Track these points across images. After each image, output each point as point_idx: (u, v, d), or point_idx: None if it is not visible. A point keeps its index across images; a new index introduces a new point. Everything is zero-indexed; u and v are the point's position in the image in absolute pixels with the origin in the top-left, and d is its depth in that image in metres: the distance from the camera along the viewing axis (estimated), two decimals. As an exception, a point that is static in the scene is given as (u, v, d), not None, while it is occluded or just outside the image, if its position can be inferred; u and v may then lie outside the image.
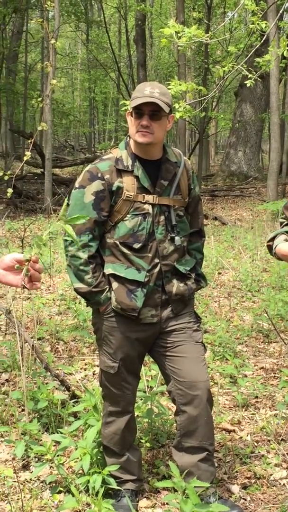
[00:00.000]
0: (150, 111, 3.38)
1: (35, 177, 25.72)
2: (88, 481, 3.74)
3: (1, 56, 26.81)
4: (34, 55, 39.15)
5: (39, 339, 6.63)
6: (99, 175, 3.47)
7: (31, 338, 5.67)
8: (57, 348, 6.57)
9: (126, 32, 29.95)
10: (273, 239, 3.46)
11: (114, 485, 3.71)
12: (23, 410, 4.91)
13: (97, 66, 33.70)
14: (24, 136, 23.49)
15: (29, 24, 30.12)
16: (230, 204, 20.87)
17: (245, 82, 7.09)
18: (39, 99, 5.89)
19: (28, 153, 5.14)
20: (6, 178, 5.29)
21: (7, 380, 5.64)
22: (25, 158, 5.01)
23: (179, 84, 6.74)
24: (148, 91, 3.38)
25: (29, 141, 5.27)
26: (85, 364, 6.12)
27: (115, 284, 3.52)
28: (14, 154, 27.43)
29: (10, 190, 5.66)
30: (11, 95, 27.57)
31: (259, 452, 4.46)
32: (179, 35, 6.34)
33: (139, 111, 3.40)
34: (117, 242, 3.49)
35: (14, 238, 13.50)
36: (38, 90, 31.11)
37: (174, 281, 3.62)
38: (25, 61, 30.78)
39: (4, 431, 4.65)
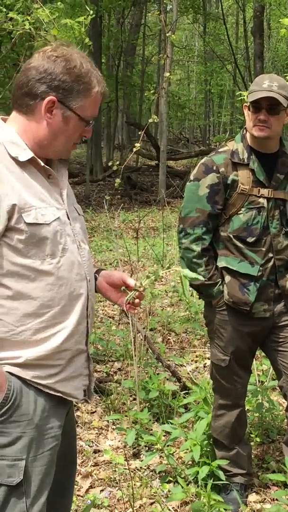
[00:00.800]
0: (268, 105, 3.33)
1: (150, 169, 25.94)
2: (197, 473, 3.76)
3: (119, 49, 27.14)
4: (151, 48, 39.39)
5: (151, 329, 6.71)
6: (214, 168, 3.47)
7: (143, 328, 5.75)
8: (169, 339, 6.62)
9: (243, 24, 29.65)
10: None
11: (223, 478, 3.71)
12: (134, 399, 4.99)
13: (213, 58, 33.56)
14: (139, 128, 23.71)
15: (147, 17, 30.34)
16: None
17: None
18: (152, 92, 5.93)
19: (137, 144, 5.18)
20: (115, 168, 5.38)
21: (119, 369, 5.74)
22: (134, 150, 5.07)
23: (297, 76, 6.60)
24: (266, 84, 3.33)
25: (139, 132, 5.32)
26: (196, 356, 6.14)
27: (227, 278, 3.52)
28: (129, 146, 27.71)
29: (118, 180, 5.74)
30: (128, 87, 27.87)
31: None
32: (299, 25, 6.21)
33: (257, 105, 3.36)
34: (231, 236, 3.48)
35: (128, 229, 13.68)
36: (154, 82, 31.30)
37: (288, 275, 3.57)
38: (142, 54, 31.05)
39: (115, 419, 4.74)
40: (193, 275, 2.25)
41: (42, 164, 2.18)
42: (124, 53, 27.78)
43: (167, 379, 5.29)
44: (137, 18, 29.60)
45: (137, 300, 2.38)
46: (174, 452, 4.25)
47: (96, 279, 2.45)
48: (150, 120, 5.42)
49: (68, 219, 2.24)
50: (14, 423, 2.12)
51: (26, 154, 2.14)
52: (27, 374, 2.13)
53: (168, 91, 22.26)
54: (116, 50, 28.50)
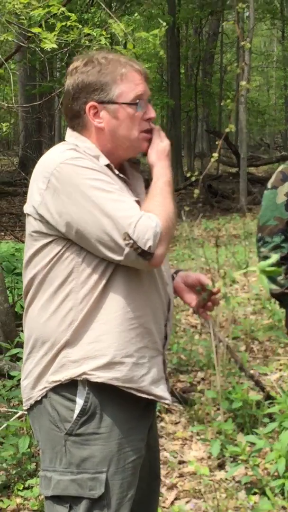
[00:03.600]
0: None
1: (231, 177, 25.83)
2: (284, 484, 3.70)
3: (197, 59, 27.17)
4: (229, 55, 39.24)
5: (233, 338, 6.65)
6: (292, 175, 3.43)
7: (226, 337, 5.71)
8: (252, 348, 6.56)
9: None
10: None
11: (309, 489, 3.64)
12: (218, 409, 4.95)
13: (292, 63, 33.21)
14: (219, 137, 23.64)
15: (224, 25, 30.27)
16: None
17: None
18: (228, 100, 5.93)
19: (215, 155, 5.16)
20: (193, 179, 5.35)
21: (202, 379, 5.72)
22: (212, 160, 5.06)
23: None
24: None
25: (217, 142, 5.30)
26: (280, 365, 6.06)
27: (308, 286, 3.46)
28: (210, 155, 27.64)
29: (196, 191, 5.70)
30: (207, 96, 27.87)
31: None
32: None
33: None
34: (311, 243, 3.43)
35: (209, 237, 13.65)
36: (233, 90, 31.16)
37: None
38: (220, 62, 30.98)
39: (200, 430, 4.72)
40: (266, 284, 2.18)
41: (117, 172, 2.20)
42: (203, 62, 27.80)
43: (251, 389, 5.23)
44: (215, 26, 29.54)
45: (209, 303, 2.35)
46: (259, 463, 4.20)
47: (173, 278, 2.43)
48: (227, 130, 5.40)
49: None
50: (93, 435, 2.12)
51: (104, 159, 2.17)
52: (118, 380, 2.10)
53: (247, 98, 22.11)
54: (194, 59, 28.55)
